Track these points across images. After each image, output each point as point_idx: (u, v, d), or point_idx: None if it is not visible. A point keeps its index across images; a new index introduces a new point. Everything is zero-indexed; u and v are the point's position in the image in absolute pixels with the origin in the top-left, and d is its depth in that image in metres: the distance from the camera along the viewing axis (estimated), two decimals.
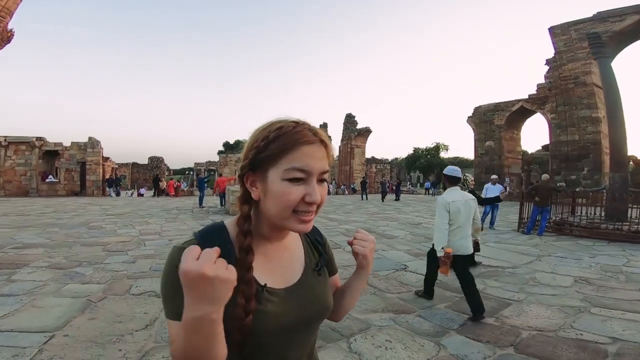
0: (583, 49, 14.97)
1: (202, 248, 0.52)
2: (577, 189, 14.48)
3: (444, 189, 3.64)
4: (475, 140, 21.87)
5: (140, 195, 25.45)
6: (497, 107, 20.32)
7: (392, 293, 3.87)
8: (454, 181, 3.41)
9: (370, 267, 0.77)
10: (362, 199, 19.80)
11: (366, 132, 32.67)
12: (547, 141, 18.63)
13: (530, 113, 19.55)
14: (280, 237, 0.68)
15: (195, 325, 0.49)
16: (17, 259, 5.09)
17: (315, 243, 0.77)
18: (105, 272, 4.54)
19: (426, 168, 44.61)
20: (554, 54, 16.96)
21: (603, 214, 9.14)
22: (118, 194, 23.99)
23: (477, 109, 21.41)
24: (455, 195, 3.32)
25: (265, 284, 0.62)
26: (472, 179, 5.03)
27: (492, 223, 9.22)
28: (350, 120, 33.83)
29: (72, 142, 23.38)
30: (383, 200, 18.94)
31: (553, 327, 2.91)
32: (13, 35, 33.94)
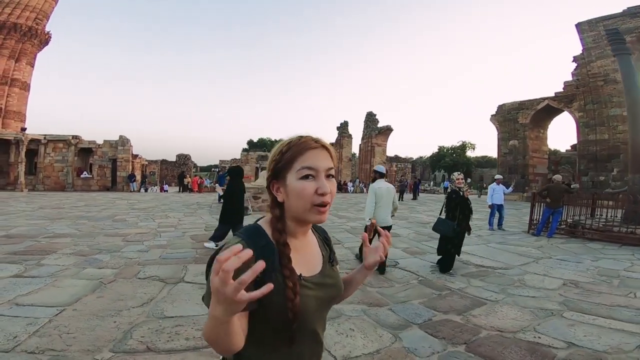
0: None
1: (249, 247, 0.65)
2: (606, 191, 13.89)
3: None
4: (499, 139, 21.28)
5: (164, 191, 26.75)
6: (521, 106, 19.67)
7: (373, 287, 4.09)
8: (381, 175, 4.96)
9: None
10: None
11: (387, 130, 32.51)
12: (576, 141, 17.86)
13: (557, 112, 18.78)
14: (304, 233, 0.83)
15: (213, 321, 0.60)
16: (48, 247, 5.77)
17: (325, 241, 0.93)
18: (120, 259, 5.09)
19: (451, 167, 43.64)
20: (582, 50, 16.20)
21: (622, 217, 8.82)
22: (146, 190, 25.34)
23: (501, 107, 20.82)
24: (381, 184, 4.80)
25: (301, 274, 0.76)
26: (459, 178, 5.09)
27: (500, 224, 9.10)
28: (371, 118, 33.77)
29: (104, 140, 25.02)
30: (401, 200, 18.85)
31: (515, 328, 2.91)
32: (50, 37, 36.56)
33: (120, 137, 24.58)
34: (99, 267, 4.61)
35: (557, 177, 8.66)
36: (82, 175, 25.12)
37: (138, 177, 26.15)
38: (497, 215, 9.25)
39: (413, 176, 28.70)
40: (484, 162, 43.36)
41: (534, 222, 8.93)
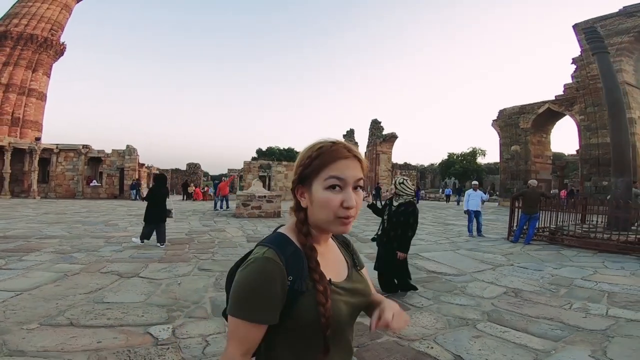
0: (611, 45, 14.23)
1: (282, 255, 0.68)
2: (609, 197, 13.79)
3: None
4: (501, 145, 21.23)
5: None
6: (522, 110, 19.64)
7: None
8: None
9: None
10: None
11: (392, 137, 32.76)
12: (578, 145, 17.69)
13: (559, 115, 18.68)
14: (326, 240, 0.80)
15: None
16: (35, 246, 6.41)
17: (345, 245, 0.90)
18: (93, 257, 5.65)
19: (461, 174, 43.28)
20: (580, 52, 16.15)
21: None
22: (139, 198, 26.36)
23: (501, 112, 20.81)
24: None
25: (330, 279, 0.74)
26: (401, 183, 4.31)
27: (479, 230, 9.19)
28: (375, 126, 34.11)
29: (112, 150, 26.26)
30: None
31: (417, 336, 2.87)
32: (65, 48, 38.59)
33: (128, 146, 25.77)
34: (71, 263, 5.17)
35: (533, 182, 8.76)
36: (91, 184, 26.38)
37: (144, 184, 27.19)
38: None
39: (416, 184, 28.68)
40: (496, 168, 42.77)
41: (513, 228, 9.02)
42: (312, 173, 0.73)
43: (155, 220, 6.74)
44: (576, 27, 15.58)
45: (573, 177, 22.15)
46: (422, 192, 19.64)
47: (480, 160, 43.33)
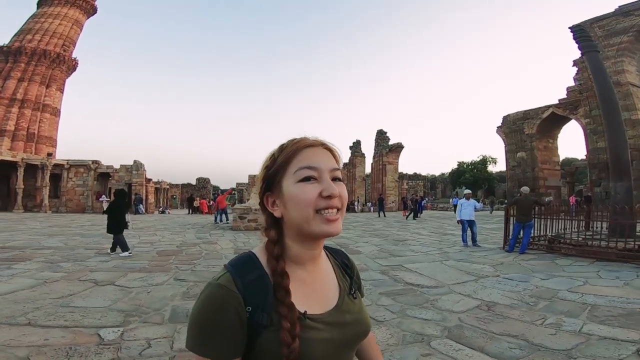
0: (611, 46, 14.14)
1: (239, 280, 0.60)
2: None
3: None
4: (506, 152, 21.00)
5: (161, 213, 28.43)
6: (526, 115, 19.46)
7: None
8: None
9: None
10: (379, 216, 20.02)
11: (398, 147, 32.72)
12: (585, 149, 17.37)
13: (564, 120, 18.43)
14: (313, 259, 0.68)
15: None
16: (28, 256, 6.73)
17: (343, 266, 0.77)
18: (79, 266, 5.91)
19: (472, 183, 42.71)
20: (581, 54, 15.99)
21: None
22: (162, 212, 26.98)
23: (505, 118, 20.66)
24: None
25: (305, 311, 0.62)
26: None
27: (474, 240, 9.06)
28: (381, 136, 34.18)
29: (121, 165, 27.12)
30: (415, 218, 18.48)
31: None
32: (77, 63, 40.37)
33: (135, 162, 26.58)
34: (55, 271, 5.43)
35: (525, 189, 8.68)
36: (100, 199, 27.18)
37: (152, 199, 27.87)
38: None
39: (413, 194, 28.49)
40: (507, 177, 42.26)
41: (509, 237, 8.88)
42: (278, 171, 0.64)
43: (114, 230, 7.40)
44: (573, 28, 15.49)
45: (587, 183, 21.67)
46: (425, 202, 19.42)
47: (491, 168, 42.76)
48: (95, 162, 26.77)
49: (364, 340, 0.75)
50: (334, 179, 0.64)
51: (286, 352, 0.57)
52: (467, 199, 9.43)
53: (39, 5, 37.65)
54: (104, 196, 27.86)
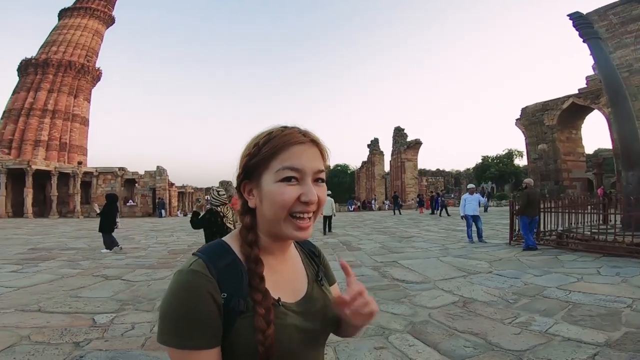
0: (629, 33, 13.54)
1: (212, 265, 0.59)
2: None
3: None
4: (527, 145, 20.40)
5: (184, 215, 29.69)
6: (545, 107, 18.84)
7: None
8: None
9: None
10: (394, 213, 20.06)
11: (416, 144, 32.44)
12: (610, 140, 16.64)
13: (587, 110, 17.70)
14: (282, 250, 0.69)
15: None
16: (54, 256, 7.51)
17: (310, 254, 0.78)
18: (96, 264, 6.56)
19: (498, 178, 41.55)
20: (582, 41, 15.36)
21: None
22: (185, 214, 28.26)
23: (524, 110, 20.09)
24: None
25: (279, 298, 0.63)
26: (214, 191, 4.70)
27: (479, 236, 8.94)
28: (399, 133, 34.00)
29: (145, 171, 28.60)
30: (435, 213, 18.71)
31: None
32: (101, 73, 42.83)
33: (158, 167, 27.96)
34: (73, 268, 6.08)
35: (529, 181, 8.58)
36: (127, 204, 28.79)
37: (175, 203, 29.17)
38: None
39: (431, 190, 28.09)
40: None
41: (516, 232, 8.73)
42: (260, 164, 0.62)
43: (105, 229, 8.46)
44: (589, 16, 14.90)
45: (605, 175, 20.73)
46: (441, 198, 19.28)
47: (518, 162, 41.36)
48: (121, 169, 28.37)
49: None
50: (317, 180, 0.64)
51: (261, 338, 0.56)
52: (471, 193, 9.32)
53: (59, 17, 40.23)
54: (131, 201, 29.51)
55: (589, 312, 3.56)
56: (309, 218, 0.62)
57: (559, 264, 6.17)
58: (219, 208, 4.55)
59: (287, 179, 0.60)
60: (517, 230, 8.73)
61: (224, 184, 25.56)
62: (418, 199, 20.16)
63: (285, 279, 0.68)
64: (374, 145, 38.24)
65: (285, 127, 0.64)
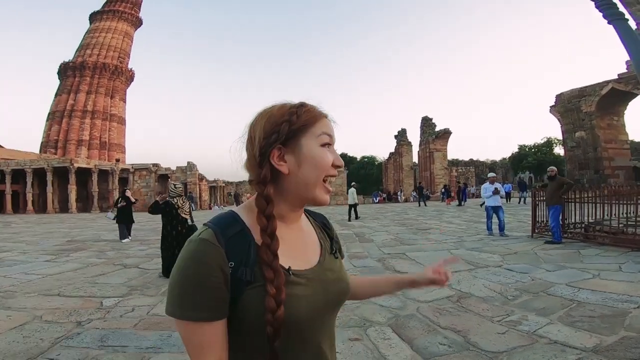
0: None
1: (220, 234, 0.59)
2: None
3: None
4: (563, 132, 19.17)
5: (210, 208, 30.87)
6: (582, 93, 17.56)
7: None
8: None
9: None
10: (419, 205, 19.73)
11: (445, 133, 31.52)
12: None
13: (630, 95, 16.28)
14: (296, 218, 0.70)
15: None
16: (86, 247, 8.22)
17: (324, 227, 0.80)
18: (120, 254, 7.13)
19: (536, 167, 39.51)
20: (637, 25, 14.02)
21: None
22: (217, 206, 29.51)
23: (559, 97, 18.85)
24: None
25: (289, 267, 0.62)
26: (176, 187, 5.61)
27: (501, 229, 8.53)
28: (427, 123, 33.16)
29: (177, 167, 29.99)
30: (462, 204, 18.54)
31: None
32: (134, 73, 45.37)
33: (188, 163, 29.22)
34: (99, 258, 6.64)
35: (552, 169, 8.12)
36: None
37: (205, 197, 30.40)
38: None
39: (458, 182, 27.14)
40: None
41: (539, 224, 8.34)
42: (300, 130, 0.64)
43: (123, 221, 9.54)
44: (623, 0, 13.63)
45: None
46: (469, 189, 18.76)
47: (558, 150, 39.07)
48: (155, 165, 29.92)
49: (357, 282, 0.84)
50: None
51: (270, 318, 0.55)
52: (492, 183, 8.86)
53: (90, 20, 42.67)
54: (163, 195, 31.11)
55: (591, 313, 3.31)
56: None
57: (578, 258, 5.81)
58: (174, 200, 5.24)
59: (326, 145, 0.66)
60: (540, 222, 8.38)
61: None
62: (443, 190, 19.62)
63: (297, 247, 0.68)
64: (401, 136, 37.57)
65: (304, 102, 0.68)
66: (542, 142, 39.67)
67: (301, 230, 0.72)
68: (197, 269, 0.56)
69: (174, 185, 5.57)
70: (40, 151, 37.23)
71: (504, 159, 53.27)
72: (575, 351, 2.53)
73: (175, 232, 5.17)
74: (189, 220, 5.41)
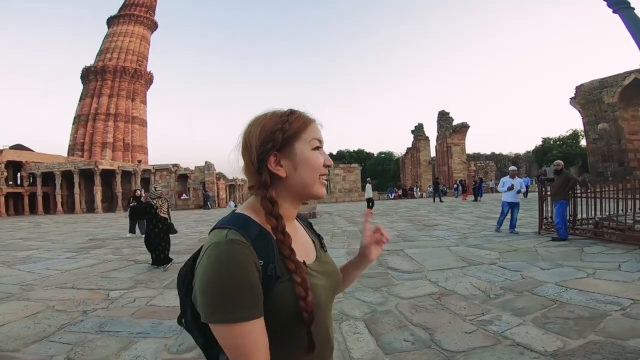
0: None
1: (246, 237, 0.62)
2: None
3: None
4: (585, 124, 18.59)
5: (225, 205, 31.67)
6: (603, 84, 16.95)
7: None
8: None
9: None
10: (434, 201, 19.61)
11: (463, 127, 31.02)
12: None
13: None
14: (292, 218, 0.78)
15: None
16: (106, 244, 8.84)
17: (309, 226, 0.89)
18: (134, 251, 7.64)
19: (561, 160, 38.21)
20: (612, 11, 13.34)
21: None
22: (235, 206, 30.39)
23: (579, 88, 18.27)
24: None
25: (304, 261, 0.70)
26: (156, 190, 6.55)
27: (512, 226, 8.16)
28: (444, 117, 32.75)
29: (195, 167, 30.97)
30: (478, 200, 18.69)
31: None
32: (153, 76, 46.87)
33: (206, 162, 30.11)
34: (115, 255, 7.17)
35: (558, 162, 7.96)
36: (182, 197, 31.48)
37: (223, 195, 31.23)
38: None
39: (474, 176, 26.55)
40: None
41: (547, 220, 8.15)
42: (292, 136, 0.71)
43: (134, 218, 10.46)
44: None
45: None
46: (487, 183, 18.51)
47: (585, 143, 37.64)
48: (175, 165, 31.02)
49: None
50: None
51: (303, 304, 0.61)
52: (512, 177, 8.32)
53: (108, 24, 44.28)
54: (184, 195, 32.21)
55: (568, 314, 3.25)
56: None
57: (579, 256, 5.66)
58: (154, 201, 6.19)
59: (316, 148, 0.74)
60: (547, 217, 8.24)
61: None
62: (455, 185, 19.39)
63: (299, 243, 0.74)
64: (418, 130, 37.22)
65: (294, 110, 0.75)
66: (568, 134, 38.26)
67: (297, 229, 0.79)
68: (235, 269, 0.57)
69: (155, 188, 6.59)
70: (68, 154, 39.37)
71: (528, 152, 51.71)
72: (534, 355, 2.50)
73: (157, 229, 6.04)
74: (168, 219, 6.32)
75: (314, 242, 0.82)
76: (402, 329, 3.04)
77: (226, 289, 0.56)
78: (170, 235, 6.35)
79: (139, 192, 11.09)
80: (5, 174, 28.68)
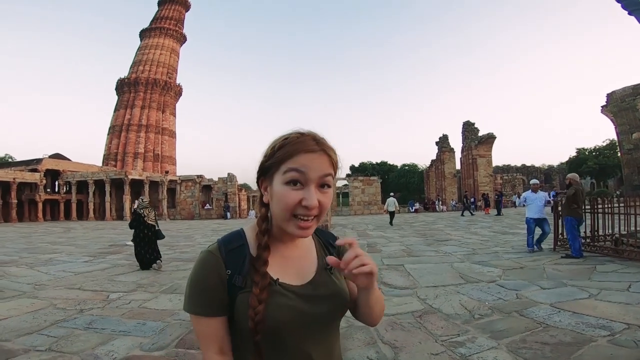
0: None
1: (223, 248, 0.73)
2: None
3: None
4: (618, 134, 17.55)
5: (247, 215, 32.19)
6: (637, 90, 16.03)
7: None
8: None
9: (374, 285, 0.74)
10: (462, 214, 19.15)
11: (489, 139, 30.18)
12: None
13: None
14: (292, 238, 0.75)
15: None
16: (122, 250, 9.38)
17: (327, 245, 0.85)
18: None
19: (597, 172, 36.34)
20: (627, 13, 12.59)
21: None
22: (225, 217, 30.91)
23: (610, 96, 17.35)
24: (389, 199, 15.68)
25: (278, 278, 0.72)
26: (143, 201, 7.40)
27: (538, 242, 7.74)
28: (469, 128, 32.02)
29: (218, 178, 32.00)
30: (501, 214, 18.36)
31: None
32: (182, 89, 48.95)
33: (228, 174, 31.08)
34: (127, 260, 7.62)
35: (573, 175, 7.60)
36: (205, 207, 32.52)
37: (244, 206, 31.93)
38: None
39: (495, 190, 25.47)
40: None
41: (562, 237, 7.59)
42: (273, 165, 0.70)
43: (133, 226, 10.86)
44: None
45: None
46: (512, 198, 17.94)
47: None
48: (199, 176, 32.20)
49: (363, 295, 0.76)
50: (322, 185, 0.69)
51: (252, 313, 0.66)
52: (534, 191, 7.97)
53: (141, 37, 46.81)
54: (207, 205, 33.25)
55: (549, 339, 3.10)
56: (311, 219, 0.69)
57: (588, 275, 5.36)
58: (141, 211, 7.00)
59: (293, 183, 0.67)
60: (562, 234, 7.92)
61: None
62: (472, 199, 18.82)
63: (292, 263, 0.76)
64: (442, 142, 36.60)
65: (302, 134, 0.71)
66: (604, 144, 36.33)
67: (299, 249, 0.78)
68: (200, 274, 0.71)
69: (142, 199, 7.57)
70: (102, 163, 41.83)
71: (562, 163, 49.47)
72: None
73: (143, 234, 6.76)
74: (155, 226, 7.02)
75: (318, 264, 0.79)
76: (370, 346, 3.00)
77: (190, 287, 0.70)
78: (183, 243, 6.89)
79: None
80: (44, 181, 30.87)
